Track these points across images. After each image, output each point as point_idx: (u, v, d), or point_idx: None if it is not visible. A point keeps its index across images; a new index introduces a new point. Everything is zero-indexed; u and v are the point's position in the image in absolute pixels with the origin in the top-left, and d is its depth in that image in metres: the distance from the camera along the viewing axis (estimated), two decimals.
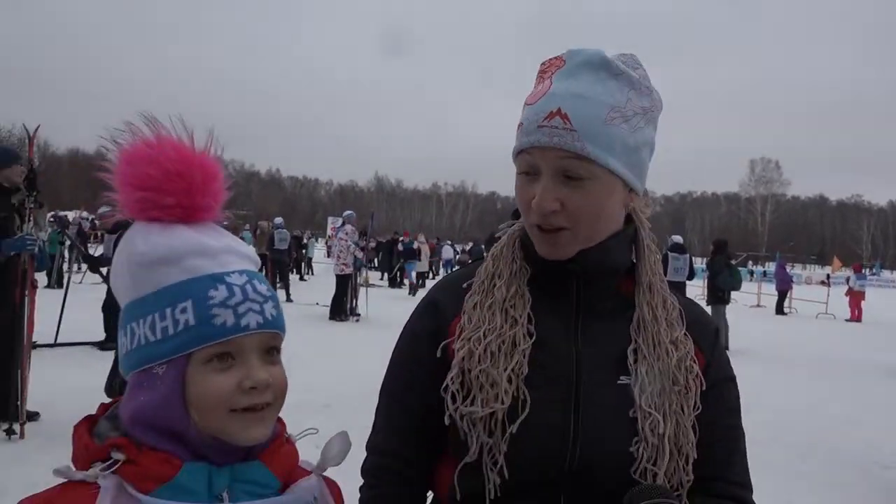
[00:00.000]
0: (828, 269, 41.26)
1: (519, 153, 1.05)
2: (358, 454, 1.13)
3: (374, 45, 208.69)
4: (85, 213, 22.81)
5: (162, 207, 0.91)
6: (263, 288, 0.93)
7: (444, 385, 1.06)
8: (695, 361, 1.10)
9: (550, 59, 1.09)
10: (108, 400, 1.00)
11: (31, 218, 5.10)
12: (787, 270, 21.42)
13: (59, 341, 8.02)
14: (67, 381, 6.30)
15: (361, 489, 1.16)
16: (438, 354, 1.10)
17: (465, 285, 1.15)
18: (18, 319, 4.99)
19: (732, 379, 1.16)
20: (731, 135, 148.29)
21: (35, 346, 5.06)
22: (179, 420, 0.88)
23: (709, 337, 1.15)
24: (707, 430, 1.08)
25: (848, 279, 20.43)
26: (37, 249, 5.08)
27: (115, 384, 5.64)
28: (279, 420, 0.99)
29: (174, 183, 0.91)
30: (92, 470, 0.86)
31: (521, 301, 1.08)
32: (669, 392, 1.05)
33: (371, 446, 1.18)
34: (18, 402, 4.90)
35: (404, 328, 1.20)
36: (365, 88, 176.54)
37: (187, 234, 0.92)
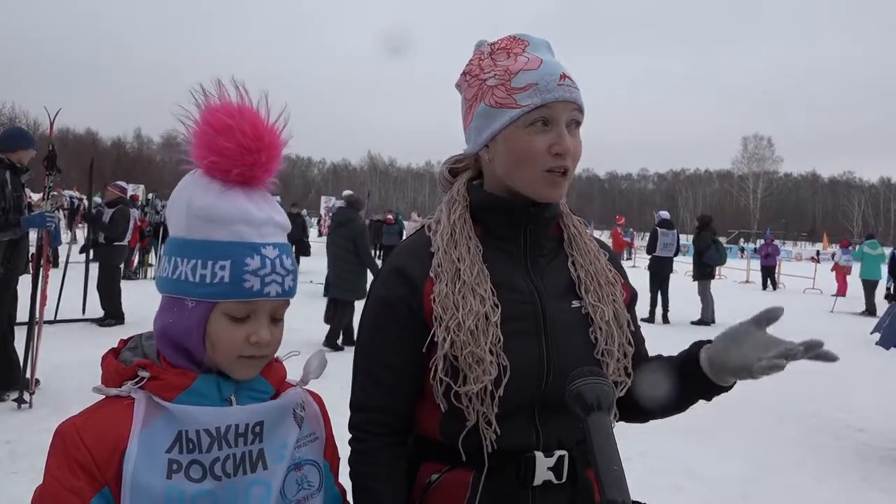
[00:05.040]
0: (818, 246, 41.73)
1: (537, 108, 1.21)
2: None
3: (368, 26, 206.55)
4: (76, 193, 22.67)
5: (226, 172, 1.09)
6: (288, 262, 1.13)
7: (432, 375, 1.20)
8: (612, 262, 1.40)
9: (507, 41, 1.29)
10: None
11: (49, 196, 5.40)
12: (773, 246, 21.46)
13: (58, 318, 8.18)
14: (69, 355, 6.48)
15: (350, 443, 1.27)
16: (415, 311, 1.23)
17: (430, 251, 1.28)
18: (33, 294, 5.24)
19: (636, 292, 1.45)
20: (724, 113, 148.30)
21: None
22: (197, 348, 1.09)
23: (615, 260, 1.44)
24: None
25: (833, 255, 20.74)
26: (53, 227, 5.36)
27: (333, 317, 8.09)
28: None
29: (243, 158, 1.08)
30: (125, 386, 1.06)
31: (483, 276, 1.23)
32: (605, 285, 1.33)
33: (356, 405, 1.28)
34: (28, 374, 5.13)
35: (371, 295, 1.31)
36: (358, 67, 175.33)
37: (240, 200, 1.09)
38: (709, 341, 1.26)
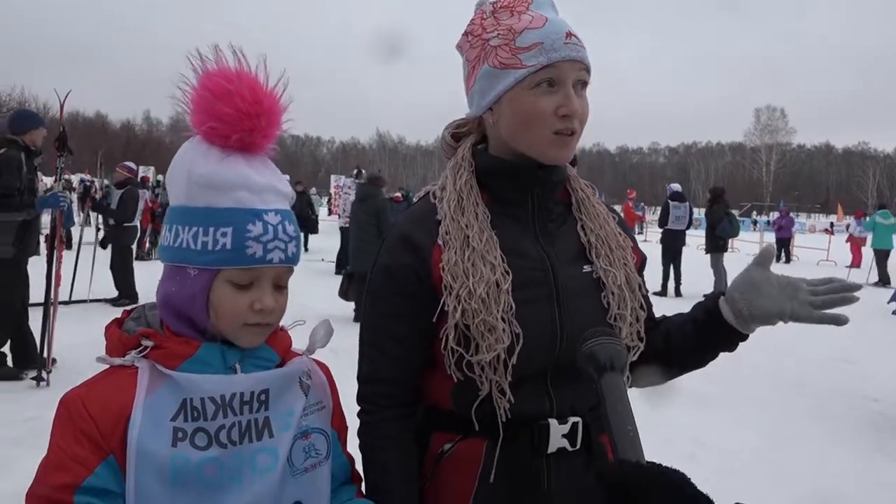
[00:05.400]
0: (832, 218, 41.35)
1: (543, 68, 1.16)
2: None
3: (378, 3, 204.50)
4: (87, 176, 22.74)
5: (226, 138, 1.07)
6: (291, 229, 1.11)
7: (443, 344, 1.17)
8: (620, 226, 1.38)
9: None
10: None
11: (61, 177, 5.43)
12: (787, 218, 21.27)
13: (73, 299, 8.25)
14: (84, 334, 6.51)
15: (359, 415, 1.27)
16: (422, 281, 1.20)
17: (436, 218, 1.25)
18: (48, 275, 5.29)
19: (646, 257, 1.44)
20: (735, 85, 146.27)
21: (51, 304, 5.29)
22: (200, 316, 1.08)
23: (624, 224, 1.41)
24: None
25: (848, 226, 20.54)
26: (66, 207, 5.41)
27: (348, 291, 7.99)
28: None
29: (243, 123, 1.06)
30: (129, 356, 1.06)
31: (492, 243, 1.20)
32: (616, 249, 1.31)
33: (364, 376, 1.27)
34: (46, 353, 5.22)
35: (377, 265, 1.26)
36: (365, 45, 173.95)
37: (240, 167, 1.08)
38: (715, 295, 1.27)
